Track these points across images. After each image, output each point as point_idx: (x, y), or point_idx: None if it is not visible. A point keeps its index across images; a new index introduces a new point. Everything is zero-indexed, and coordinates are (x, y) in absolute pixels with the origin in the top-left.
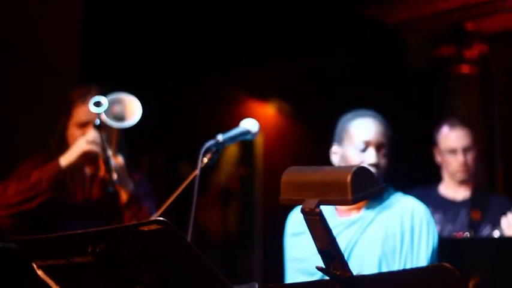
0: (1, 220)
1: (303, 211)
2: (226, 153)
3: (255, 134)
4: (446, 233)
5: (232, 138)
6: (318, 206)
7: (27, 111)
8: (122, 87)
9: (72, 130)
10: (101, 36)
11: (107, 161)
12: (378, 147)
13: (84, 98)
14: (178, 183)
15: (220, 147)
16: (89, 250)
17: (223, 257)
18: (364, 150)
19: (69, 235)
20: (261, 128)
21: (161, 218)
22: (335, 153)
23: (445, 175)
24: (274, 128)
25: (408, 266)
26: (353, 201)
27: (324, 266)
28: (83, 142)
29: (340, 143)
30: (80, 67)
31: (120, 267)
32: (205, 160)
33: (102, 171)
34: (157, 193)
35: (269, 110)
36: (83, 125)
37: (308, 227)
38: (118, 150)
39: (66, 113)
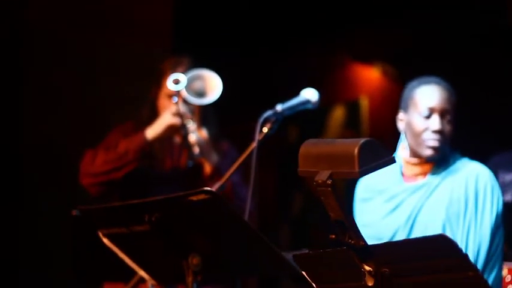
0: (90, 188)
1: (315, 182)
2: (332, 117)
3: (315, 104)
4: None
5: (292, 108)
6: (329, 178)
7: (121, 83)
8: (226, 56)
9: (163, 100)
10: (193, 6)
11: (186, 135)
12: (443, 114)
13: (175, 69)
14: (287, 146)
15: (279, 117)
16: (146, 219)
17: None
18: (428, 117)
19: (126, 205)
20: (366, 91)
21: (208, 188)
22: (401, 120)
23: None
24: (379, 91)
25: (472, 231)
26: (360, 174)
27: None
28: (168, 115)
29: (405, 110)
30: (173, 38)
31: (174, 235)
32: (265, 130)
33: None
34: (266, 157)
35: (373, 73)
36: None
37: (321, 198)
38: (203, 123)
39: (158, 83)
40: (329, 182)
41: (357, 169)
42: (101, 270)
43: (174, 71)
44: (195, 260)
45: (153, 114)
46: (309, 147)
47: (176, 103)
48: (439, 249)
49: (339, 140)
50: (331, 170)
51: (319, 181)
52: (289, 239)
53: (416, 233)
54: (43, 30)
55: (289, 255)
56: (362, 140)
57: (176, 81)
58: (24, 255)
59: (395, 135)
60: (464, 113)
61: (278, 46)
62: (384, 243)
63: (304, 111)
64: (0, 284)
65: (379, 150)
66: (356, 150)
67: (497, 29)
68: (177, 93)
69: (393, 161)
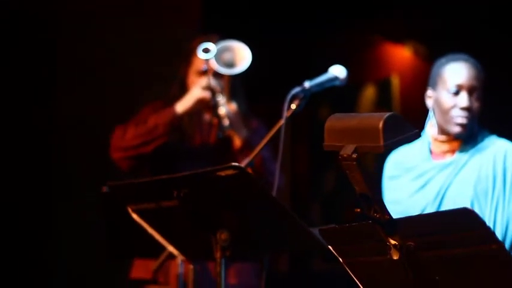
0: (120, 162)
1: (341, 157)
2: (364, 95)
3: (342, 80)
4: None
5: (320, 85)
6: (355, 152)
7: (151, 63)
8: (255, 36)
9: (192, 78)
10: None
11: (215, 107)
12: (471, 91)
13: None
14: (319, 125)
15: (307, 93)
16: (175, 194)
17: None
18: (456, 94)
19: (155, 180)
20: (397, 70)
21: (236, 164)
22: (429, 97)
23: None
24: (410, 70)
25: (500, 208)
26: (385, 148)
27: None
28: (197, 89)
29: (434, 87)
30: (201, 18)
31: (203, 211)
32: (293, 107)
33: (215, 118)
34: (299, 136)
35: (405, 53)
36: (202, 73)
37: (346, 172)
38: (234, 96)
39: (187, 61)
40: (354, 156)
41: (381, 143)
42: (131, 246)
43: None
44: (223, 236)
45: (183, 92)
46: (334, 121)
47: (206, 73)
48: (463, 223)
49: (364, 114)
50: (356, 144)
51: (345, 155)
52: (321, 217)
53: None
54: (78, 10)
55: (316, 230)
56: (386, 115)
57: (206, 50)
58: (57, 231)
59: (427, 113)
60: (494, 91)
61: (309, 25)
62: (409, 216)
63: (335, 90)
64: (34, 261)
65: (404, 125)
66: (381, 124)
67: None
68: (207, 62)
69: (418, 135)
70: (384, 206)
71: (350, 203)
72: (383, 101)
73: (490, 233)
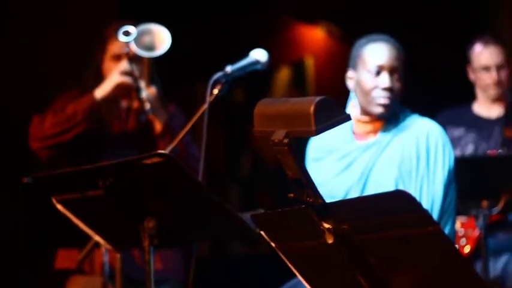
0: (39, 152)
1: (272, 142)
2: (278, 77)
3: (264, 64)
4: (480, 151)
5: (241, 69)
6: (286, 137)
7: (64, 49)
8: (163, 21)
9: (107, 64)
10: None
11: (137, 91)
12: (392, 71)
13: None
14: (234, 108)
15: (229, 78)
16: (100, 184)
17: (278, 181)
18: (377, 75)
19: (80, 170)
20: (311, 51)
21: (163, 151)
22: (350, 78)
23: (479, 93)
24: (324, 51)
25: (424, 188)
26: (317, 132)
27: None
28: (116, 74)
29: (354, 68)
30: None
31: (129, 199)
32: (216, 92)
33: (135, 102)
34: (214, 119)
35: (318, 33)
36: (117, 58)
37: (278, 158)
38: (151, 81)
39: (102, 47)
40: (285, 141)
41: (313, 127)
42: (54, 237)
43: (118, 34)
44: (150, 224)
45: (98, 79)
46: (264, 106)
47: (123, 58)
48: (398, 205)
49: (294, 98)
50: (287, 129)
51: (276, 140)
52: (238, 201)
53: (369, 191)
54: None
55: (245, 216)
56: (317, 99)
57: (127, 33)
58: None
59: (341, 94)
60: (411, 70)
61: (221, 8)
62: (343, 200)
63: (249, 73)
64: None
65: (334, 108)
66: (312, 109)
67: None
68: (127, 45)
69: (349, 118)
70: (317, 190)
71: (266, 186)
72: (297, 83)
73: (426, 216)
